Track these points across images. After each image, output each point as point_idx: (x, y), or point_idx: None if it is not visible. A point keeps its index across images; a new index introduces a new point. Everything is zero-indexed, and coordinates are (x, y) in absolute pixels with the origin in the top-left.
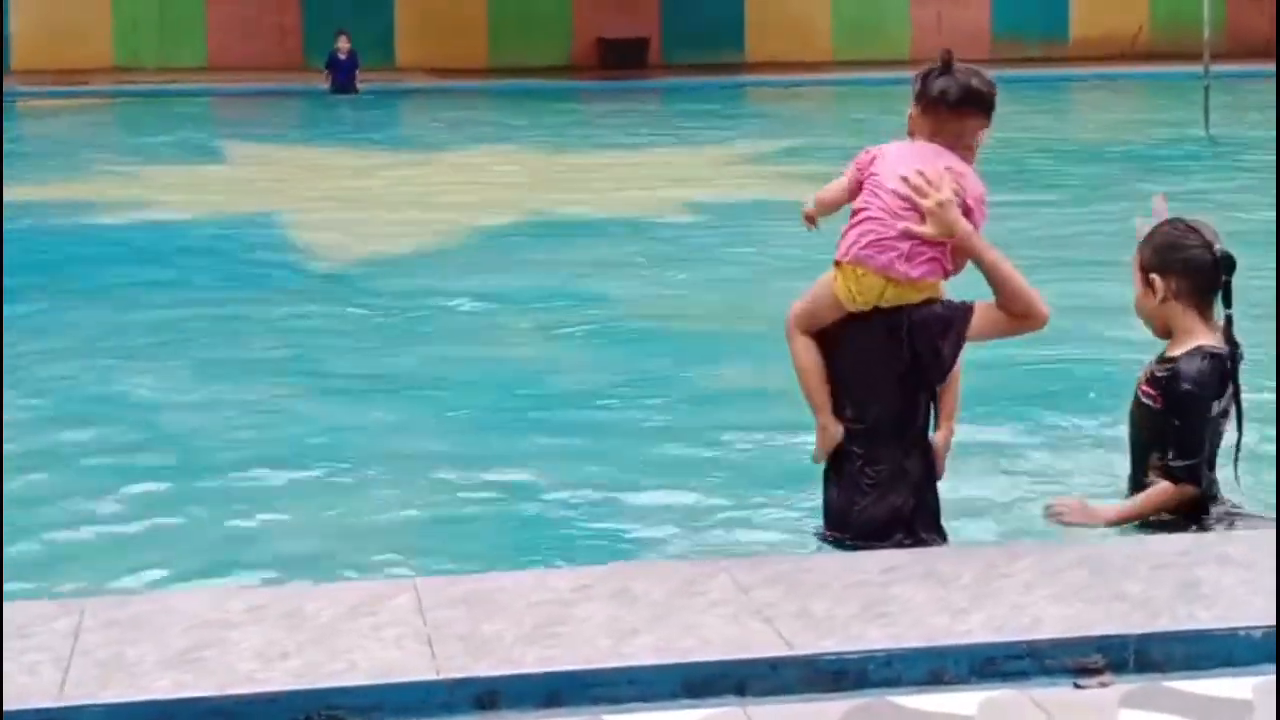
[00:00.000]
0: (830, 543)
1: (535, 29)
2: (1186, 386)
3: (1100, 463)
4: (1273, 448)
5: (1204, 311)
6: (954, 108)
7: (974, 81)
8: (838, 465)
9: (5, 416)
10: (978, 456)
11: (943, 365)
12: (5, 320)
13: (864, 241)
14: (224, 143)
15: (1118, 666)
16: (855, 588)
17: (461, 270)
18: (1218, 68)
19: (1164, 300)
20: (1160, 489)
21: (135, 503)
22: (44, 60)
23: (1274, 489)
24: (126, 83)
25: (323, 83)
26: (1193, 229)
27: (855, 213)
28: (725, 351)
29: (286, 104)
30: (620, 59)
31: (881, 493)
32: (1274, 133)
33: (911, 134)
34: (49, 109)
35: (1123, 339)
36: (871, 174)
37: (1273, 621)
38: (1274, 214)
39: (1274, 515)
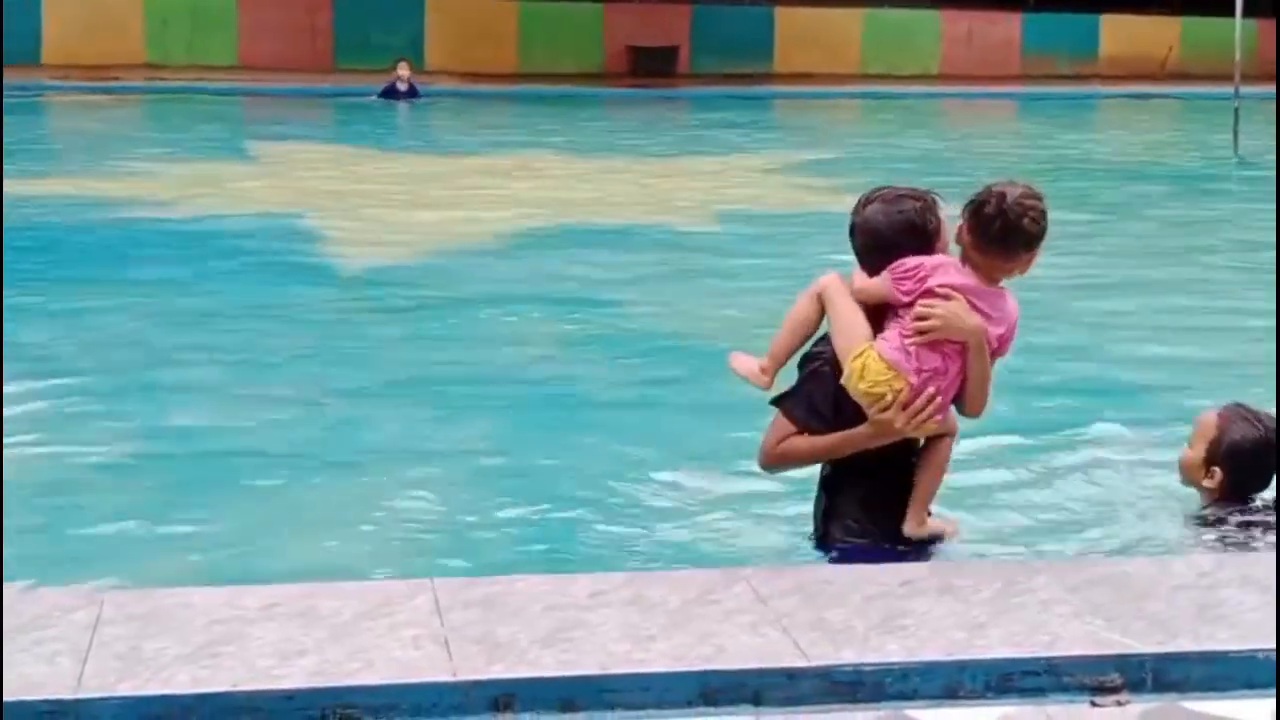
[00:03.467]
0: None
1: (565, 35)
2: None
3: (1121, 476)
4: None
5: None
6: (1005, 249)
7: (1025, 222)
8: None
9: (30, 411)
10: (1000, 472)
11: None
12: (32, 314)
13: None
14: (252, 142)
15: (1135, 685)
16: (873, 600)
17: (485, 275)
18: (1248, 89)
19: (1214, 488)
20: None
21: (156, 498)
22: (75, 55)
23: None
24: (156, 80)
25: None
26: (1272, 444)
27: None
28: None
29: (316, 104)
30: (650, 67)
31: (818, 490)
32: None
33: (960, 242)
34: (79, 104)
35: (1152, 357)
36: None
37: None
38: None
39: None
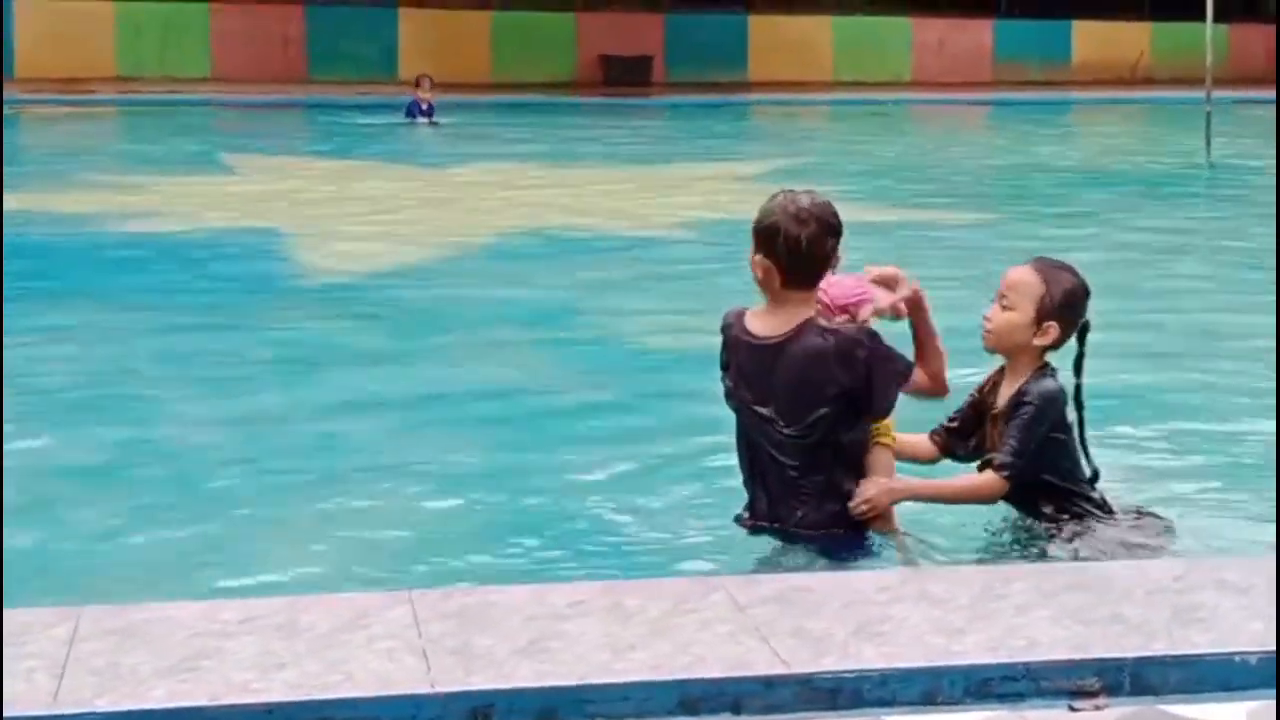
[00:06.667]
0: (767, 532)
1: (539, 45)
2: (1032, 400)
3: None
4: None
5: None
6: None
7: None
8: (761, 474)
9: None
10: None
11: (886, 403)
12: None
13: None
14: (226, 153)
15: (1113, 689)
16: (852, 607)
17: (460, 285)
18: (1219, 94)
19: (1046, 344)
20: (969, 476)
21: (132, 512)
22: (47, 68)
23: None
24: (129, 92)
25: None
26: (1087, 287)
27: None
28: None
29: (289, 115)
30: (623, 76)
31: (819, 502)
32: (1275, 160)
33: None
34: (51, 117)
35: (1120, 361)
36: None
37: (1269, 647)
38: (1274, 236)
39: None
